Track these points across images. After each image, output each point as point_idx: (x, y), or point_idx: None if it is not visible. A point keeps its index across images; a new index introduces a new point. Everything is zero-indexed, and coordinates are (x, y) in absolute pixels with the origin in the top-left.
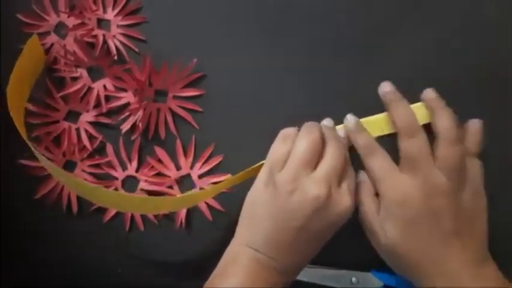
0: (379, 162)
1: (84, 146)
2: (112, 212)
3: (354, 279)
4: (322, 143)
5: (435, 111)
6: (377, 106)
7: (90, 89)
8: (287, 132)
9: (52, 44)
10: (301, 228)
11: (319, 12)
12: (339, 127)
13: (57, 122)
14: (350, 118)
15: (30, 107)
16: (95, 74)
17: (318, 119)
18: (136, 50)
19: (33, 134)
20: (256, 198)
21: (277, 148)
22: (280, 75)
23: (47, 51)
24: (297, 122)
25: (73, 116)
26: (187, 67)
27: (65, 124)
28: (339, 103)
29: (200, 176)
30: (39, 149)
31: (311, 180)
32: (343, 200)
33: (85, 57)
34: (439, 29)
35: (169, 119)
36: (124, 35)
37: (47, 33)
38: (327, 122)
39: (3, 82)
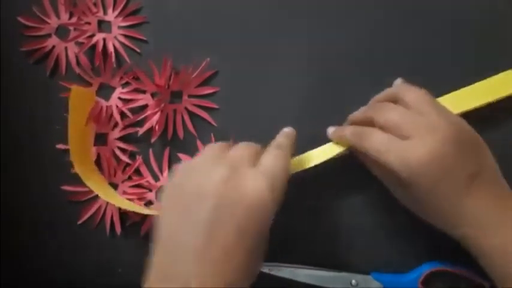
0: (375, 138)
1: (125, 167)
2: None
3: (353, 281)
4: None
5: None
6: None
7: (107, 108)
8: None
9: (53, 47)
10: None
11: (332, 9)
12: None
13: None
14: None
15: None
16: (103, 91)
17: (333, 112)
18: (138, 50)
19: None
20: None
21: None
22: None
23: (48, 54)
24: (312, 112)
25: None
26: (201, 66)
27: (97, 149)
28: (353, 100)
29: None
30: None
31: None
32: (252, 179)
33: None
34: (440, 30)
35: (187, 118)
36: (125, 35)
37: (48, 35)
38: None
39: (3, 84)
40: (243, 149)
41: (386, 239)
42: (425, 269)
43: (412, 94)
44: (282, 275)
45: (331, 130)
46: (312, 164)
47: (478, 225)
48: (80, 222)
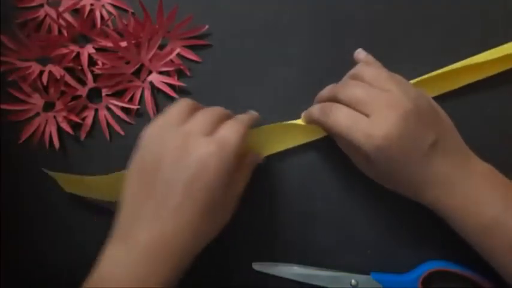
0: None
1: None
2: None
3: (353, 281)
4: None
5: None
6: None
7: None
8: None
9: (45, 16)
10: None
11: (333, 5)
12: None
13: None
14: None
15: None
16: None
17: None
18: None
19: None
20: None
21: None
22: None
23: (40, 23)
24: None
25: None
26: (196, 27)
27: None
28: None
29: None
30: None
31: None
32: (202, 147)
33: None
34: (440, 25)
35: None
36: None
37: (40, 6)
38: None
39: None
40: (204, 117)
41: (387, 239)
42: (425, 269)
43: (371, 72)
44: (281, 275)
45: (303, 113)
46: (280, 148)
47: (443, 185)
48: (21, 141)
